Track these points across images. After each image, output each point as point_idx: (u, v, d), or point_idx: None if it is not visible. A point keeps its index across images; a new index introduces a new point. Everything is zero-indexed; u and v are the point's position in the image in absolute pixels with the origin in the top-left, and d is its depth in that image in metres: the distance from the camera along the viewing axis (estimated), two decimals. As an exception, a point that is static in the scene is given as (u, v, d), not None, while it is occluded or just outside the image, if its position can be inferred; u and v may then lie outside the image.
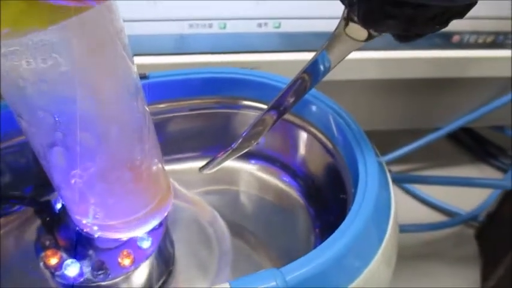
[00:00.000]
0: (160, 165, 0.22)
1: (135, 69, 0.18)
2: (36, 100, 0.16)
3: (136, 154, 0.20)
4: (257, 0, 0.31)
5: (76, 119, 0.17)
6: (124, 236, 0.22)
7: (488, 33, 0.35)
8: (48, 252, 0.21)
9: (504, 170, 0.46)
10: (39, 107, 0.16)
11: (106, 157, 0.19)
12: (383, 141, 0.43)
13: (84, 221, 0.21)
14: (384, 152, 0.42)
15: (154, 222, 0.22)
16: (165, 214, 0.22)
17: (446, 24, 0.17)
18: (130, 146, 0.19)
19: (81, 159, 0.18)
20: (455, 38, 0.35)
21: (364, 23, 0.17)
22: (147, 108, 0.20)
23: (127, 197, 0.20)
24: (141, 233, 0.22)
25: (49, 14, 0.14)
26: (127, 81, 0.18)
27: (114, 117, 0.18)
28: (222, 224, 0.26)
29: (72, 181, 0.19)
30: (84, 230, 0.21)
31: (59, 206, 0.23)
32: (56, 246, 0.21)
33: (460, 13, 0.16)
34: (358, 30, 0.18)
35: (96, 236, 0.21)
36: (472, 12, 0.17)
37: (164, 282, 0.23)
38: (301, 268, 0.16)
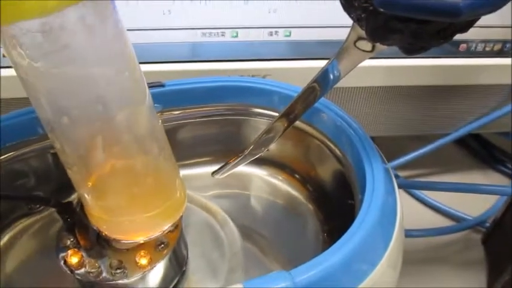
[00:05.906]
0: (171, 170, 0.22)
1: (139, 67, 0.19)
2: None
3: (146, 151, 0.20)
4: (268, 10, 0.32)
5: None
6: (134, 238, 0.22)
7: (496, 41, 0.36)
8: (70, 252, 0.22)
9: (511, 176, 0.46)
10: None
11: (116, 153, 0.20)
12: (391, 146, 0.43)
13: (96, 219, 0.21)
14: (392, 158, 0.42)
15: (162, 226, 0.22)
16: (175, 220, 0.23)
17: (450, 38, 0.18)
18: (139, 144, 0.20)
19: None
20: (463, 46, 0.35)
21: (372, 37, 0.18)
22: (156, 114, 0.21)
23: (135, 195, 0.21)
24: (149, 236, 0.22)
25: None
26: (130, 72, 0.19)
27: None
28: (232, 226, 0.26)
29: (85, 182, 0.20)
30: (101, 232, 0.22)
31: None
32: (77, 246, 0.22)
33: (463, 28, 0.17)
34: (366, 43, 0.19)
35: (111, 237, 0.22)
36: (480, 21, 0.17)
37: (178, 283, 0.24)
38: (309, 271, 0.17)
